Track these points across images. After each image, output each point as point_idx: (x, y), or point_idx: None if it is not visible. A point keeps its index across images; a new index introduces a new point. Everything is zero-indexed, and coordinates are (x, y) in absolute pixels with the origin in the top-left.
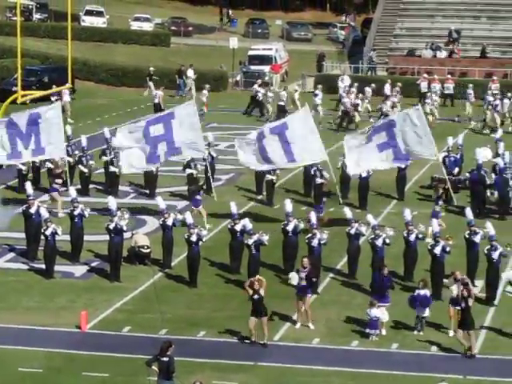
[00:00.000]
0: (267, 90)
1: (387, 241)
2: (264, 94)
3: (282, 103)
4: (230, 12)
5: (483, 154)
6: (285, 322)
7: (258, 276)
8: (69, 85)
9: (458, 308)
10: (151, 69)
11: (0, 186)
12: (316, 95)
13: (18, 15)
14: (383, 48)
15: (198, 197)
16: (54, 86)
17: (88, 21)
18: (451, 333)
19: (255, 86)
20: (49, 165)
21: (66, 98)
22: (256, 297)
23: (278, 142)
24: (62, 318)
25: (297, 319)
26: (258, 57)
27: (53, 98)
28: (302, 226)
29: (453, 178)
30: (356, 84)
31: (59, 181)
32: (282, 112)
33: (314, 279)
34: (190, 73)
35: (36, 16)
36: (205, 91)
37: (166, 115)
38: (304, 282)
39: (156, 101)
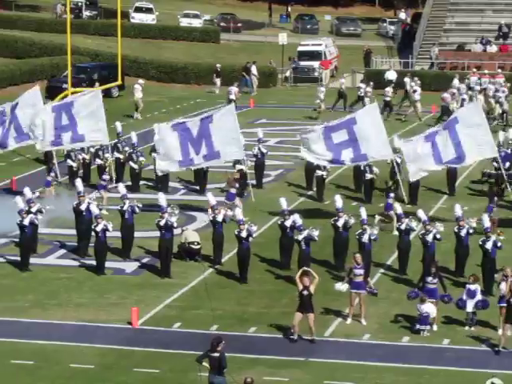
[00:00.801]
0: (367, 85)
1: (438, 236)
2: (364, 90)
3: (388, 98)
4: (289, 9)
5: None
6: (336, 317)
7: (309, 269)
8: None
9: (504, 305)
10: (218, 66)
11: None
12: (415, 91)
13: (68, 13)
14: (433, 43)
15: (390, 200)
16: (96, 84)
17: (137, 18)
18: (500, 331)
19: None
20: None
21: (138, 94)
22: (305, 292)
23: (448, 137)
24: (113, 315)
25: (349, 314)
26: (307, 52)
27: None
28: (352, 221)
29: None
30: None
31: (237, 185)
32: (387, 107)
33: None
34: (254, 69)
35: (86, 13)
36: (322, 88)
37: (347, 121)
38: (359, 279)
39: (231, 97)
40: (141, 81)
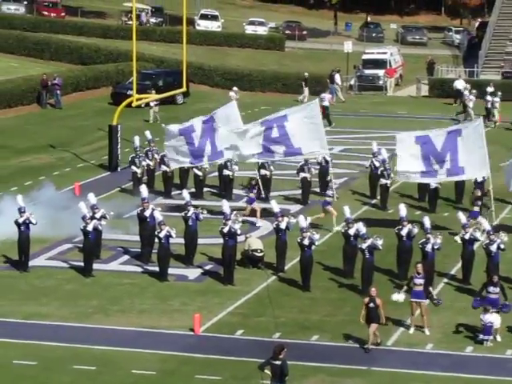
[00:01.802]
0: (494, 96)
1: (502, 246)
2: (491, 102)
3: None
4: (369, 18)
5: None
6: (398, 327)
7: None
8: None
9: None
10: (306, 74)
11: (115, 189)
12: None
13: (134, 19)
14: (499, 52)
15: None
16: (153, 92)
17: (203, 25)
18: None
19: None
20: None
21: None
22: (371, 305)
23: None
24: (176, 321)
25: (411, 324)
26: (372, 61)
27: (152, 104)
28: (416, 230)
29: None
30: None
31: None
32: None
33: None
34: (338, 78)
35: (151, 20)
36: (472, 96)
37: None
38: (419, 288)
39: (325, 103)
40: (235, 88)
